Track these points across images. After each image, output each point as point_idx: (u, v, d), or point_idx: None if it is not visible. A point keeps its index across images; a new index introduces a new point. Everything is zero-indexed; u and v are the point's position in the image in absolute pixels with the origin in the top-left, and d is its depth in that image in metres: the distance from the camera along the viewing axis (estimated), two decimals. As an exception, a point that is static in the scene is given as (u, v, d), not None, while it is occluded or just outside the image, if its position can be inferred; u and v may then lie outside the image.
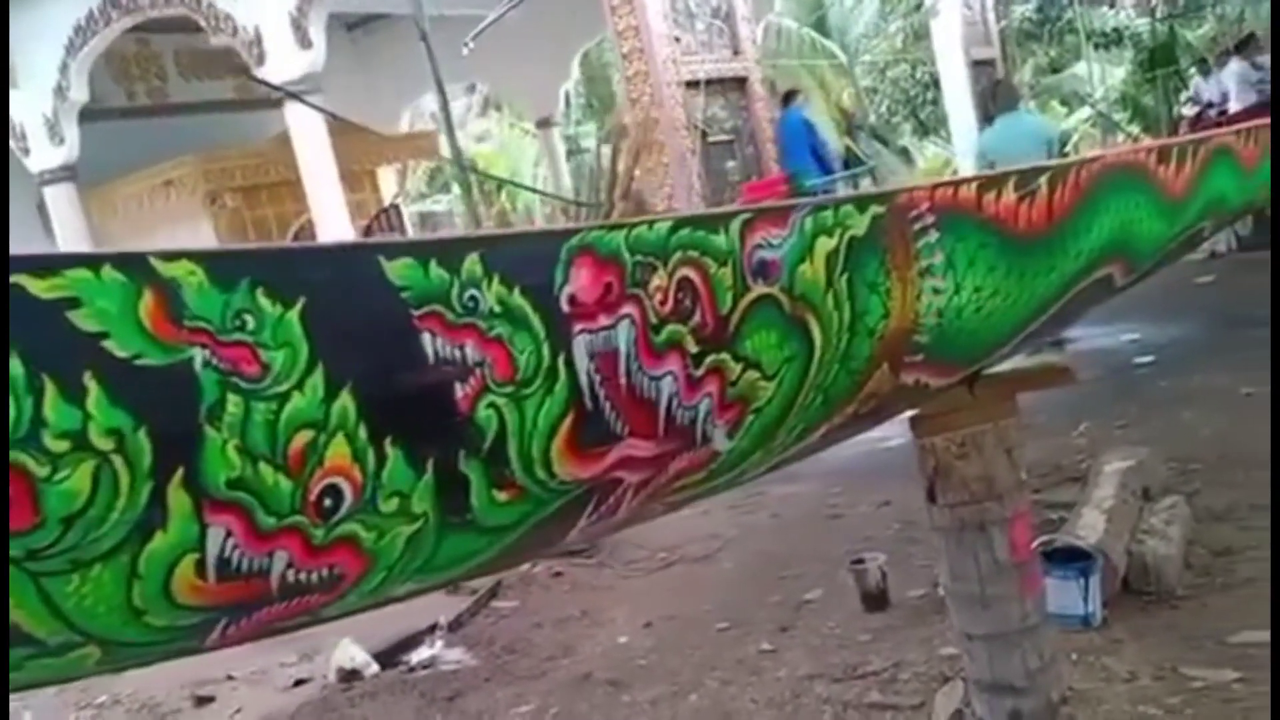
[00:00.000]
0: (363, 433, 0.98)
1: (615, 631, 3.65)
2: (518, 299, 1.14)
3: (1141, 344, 6.31)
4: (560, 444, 1.21)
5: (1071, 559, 3.06)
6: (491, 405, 1.12)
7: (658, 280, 1.32)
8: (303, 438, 0.94)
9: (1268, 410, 4.47)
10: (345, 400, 0.97)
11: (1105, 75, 16.86)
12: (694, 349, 1.37)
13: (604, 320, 1.25)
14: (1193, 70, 12.18)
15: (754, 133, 7.88)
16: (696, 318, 1.38)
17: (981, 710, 2.66)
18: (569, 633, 3.71)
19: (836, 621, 3.37)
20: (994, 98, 7.74)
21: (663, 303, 1.33)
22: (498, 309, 1.12)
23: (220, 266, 0.89)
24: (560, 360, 1.19)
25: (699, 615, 3.63)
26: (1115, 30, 16.31)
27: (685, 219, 1.38)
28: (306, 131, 8.72)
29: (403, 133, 14.40)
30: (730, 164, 7.81)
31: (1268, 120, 4.59)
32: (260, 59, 8.57)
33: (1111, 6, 16.74)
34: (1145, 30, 16.04)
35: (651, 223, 1.33)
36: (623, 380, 1.28)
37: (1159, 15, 15.86)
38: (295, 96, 7.87)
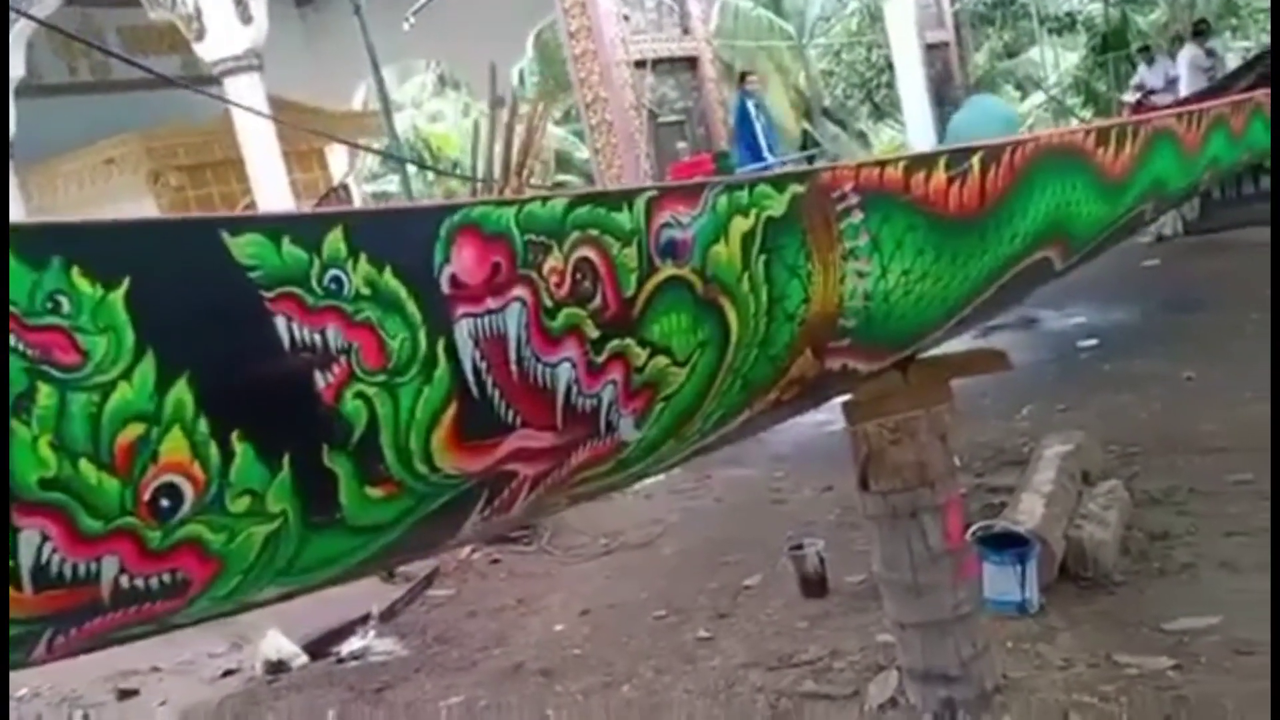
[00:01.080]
0: (203, 426, 0.90)
1: (551, 620, 3.57)
2: (389, 280, 1.06)
3: (1086, 327, 6.33)
4: (443, 436, 1.13)
5: (1009, 544, 3.03)
6: (360, 395, 1.04)
7: (553, 261, 1.25)
8: (131, 432, 0.86)
9: (1208, 395, 4.49)
10: (181, 391, 0.88)
11: (1059, 60, 16.96)
12: (595, 334, 1.30)
13: (491, 303, 1.17)
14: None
15: (705, 113, 7.80)
16: (597, 300, 1.30)
17: (915, 699, 2.62)
18: (503, 622, 3.64)
19: (774, 608, 3.32)
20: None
21: (559, 285, 1.25)
22: (365, 291, 1.04)
23: (27, 244, 0.80)
24: (440, 346, 1.11)
25: (637, 603, 3.57)
26: (1069, 14, 16.41)
27: (584, 195, 1.30)
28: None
29: (351, 111, 14.15)
30: (680, 145, 7.73)
31: (1209, 104, 4.59)
32: (200, 34, 8.36)
33: (1065, -9, 16.82)
34: (1099, 15, 16.15)
35: (545, 199, 1.25)
36: (514, 367, 1.21)
37: (1111, 0, 15.97)
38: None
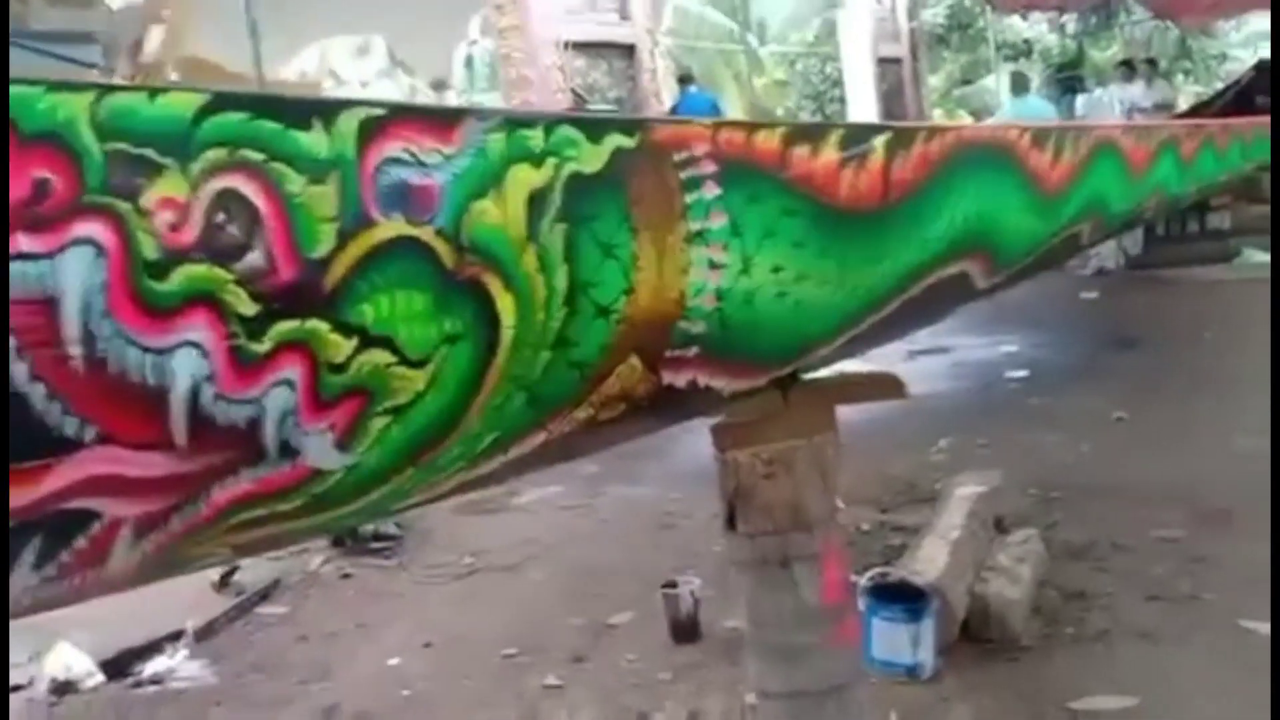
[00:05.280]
0: None
1: (388, 651, 3.12)
2: None
3: (1016, 357, 6.00)
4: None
5: (906, 597, 2.65)
6: None
7: (168, 189, 0.81)
8: None
9: (1138, 438, 4.17)
10: None
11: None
12: (250, 309, 0.87)
13: (28, 244, 0.74)
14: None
15: (639, 105, 7.37)
16: (254, 258, 0.87)
17: (777, 781, 2.22)
18: (335, 650, 3.17)
19: (638, 653, 2.90)
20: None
21: (176, 227, 0.82)
22: None
23: None
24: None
25: (488, 636, 3.13)
26: (1026, 42, 16.30)
27: (237, 97, 0.86)
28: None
29: (283, 80, 13.56)
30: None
31: (1159, 124, 4.29)
32: (110, -17, 7.75)
33: (1024, 19, 16.70)
34: (1055, 46, 16.07)
35: (157, 91, 0.81)
36: (76, 349, 0.77)
37: (1069, 32, 15.91)
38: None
